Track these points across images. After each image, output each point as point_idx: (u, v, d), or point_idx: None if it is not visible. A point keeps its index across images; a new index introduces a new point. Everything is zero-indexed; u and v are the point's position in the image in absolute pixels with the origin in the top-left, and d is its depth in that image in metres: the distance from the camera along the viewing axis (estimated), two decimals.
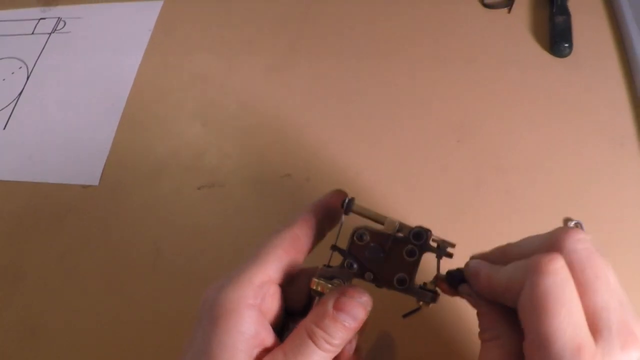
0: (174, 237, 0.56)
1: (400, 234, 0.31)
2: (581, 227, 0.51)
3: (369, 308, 0.31)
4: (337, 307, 0.30)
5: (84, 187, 0.60)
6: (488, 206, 0.54)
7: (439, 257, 0.31)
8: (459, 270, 0.31)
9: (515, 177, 0.56)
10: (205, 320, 0.29)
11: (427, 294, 0.31)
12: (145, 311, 0.51)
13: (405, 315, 0.34)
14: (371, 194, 0.56)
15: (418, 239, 0.30)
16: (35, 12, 0.78)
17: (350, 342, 0.33)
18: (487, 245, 0.32)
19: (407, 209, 0.54)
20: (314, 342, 0.29)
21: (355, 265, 0.31)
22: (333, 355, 0.30)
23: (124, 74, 0.69)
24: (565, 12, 0.65)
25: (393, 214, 0.32)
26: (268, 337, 0.30)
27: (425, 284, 0.31)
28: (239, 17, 0.73)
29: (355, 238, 0.31)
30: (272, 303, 0.31)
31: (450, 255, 0.31)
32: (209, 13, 0.74)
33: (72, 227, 0.58)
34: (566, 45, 0.63)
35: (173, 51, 0.71)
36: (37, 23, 0.76)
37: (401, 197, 0.56)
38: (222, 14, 0.74)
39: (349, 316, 0.30)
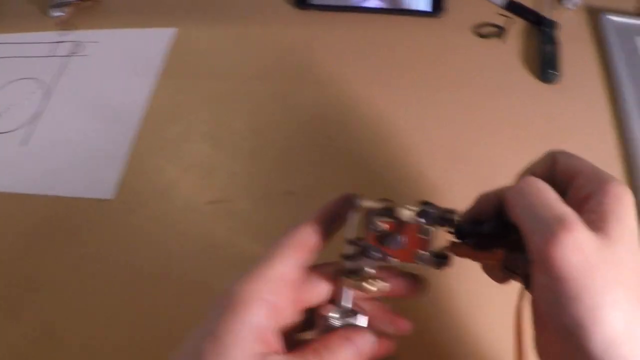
0: (185, 249, 0.59)
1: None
2: None
3: (374, 346, 0.33)
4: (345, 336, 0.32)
5: (99, 200, 0.63)
6: None
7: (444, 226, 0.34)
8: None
9: None
10: (217, 308, 0.31)
11: (441, 261, 0.34)
12: (157, 319, 0.54)
13: None
14: None
15: (427, 217, 0.33)
16: (53, 35, 0.82)
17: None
18: None
19: None
20: None
21: (378, 254, 0.33)
22: None
23: (139, 96, 0.73)
24: (554, 41, 0.69)
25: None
26: (273, 340, 0.31)
27: (440, 250, 0.34)
28: (249, 45, 0.78)
29: (371, 229, 0.33)
30: (286, 303, 0.33)
31: (453, 223, 0.34)
32: (221, 40, 0.79)
33: (87, 238, 0.61)
34: (553, 72, 0.67)
35: (185, 76, 0.75)
36: (57, 46, 0.81)
37: None
38: (232, 42, 0.78)
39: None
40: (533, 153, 0.61)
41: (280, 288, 0.32)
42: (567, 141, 0.63)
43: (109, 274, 0.58)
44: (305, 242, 0.34)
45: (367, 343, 0.33)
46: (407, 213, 0.33)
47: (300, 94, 0.71)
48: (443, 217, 0.34)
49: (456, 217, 0.34)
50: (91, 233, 0.61)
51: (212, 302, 0.31)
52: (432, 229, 0.33)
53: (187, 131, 0.69)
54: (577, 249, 0.26)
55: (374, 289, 0.33)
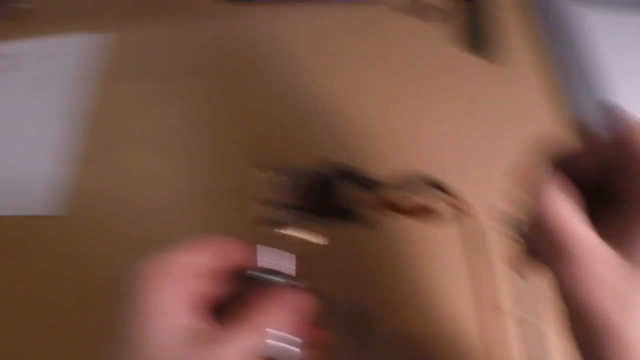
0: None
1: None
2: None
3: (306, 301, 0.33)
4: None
5: (47, 217, 0.62)
6: None
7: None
8: None
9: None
10: (134, 290, 0.30)
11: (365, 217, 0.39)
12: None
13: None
14: None
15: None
16: None
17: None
18: None
19: None
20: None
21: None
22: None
23: (78, 104, 0.71)
24: (486, 15, 0.70)
25: None
26: (196, 314, 0.30)
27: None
28: (185, 44, 0.77)
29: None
30: (203, 277, 0.32)
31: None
32: (157, 42, 0.78)
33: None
34: (485, 44, 0.67)
35: (124, 81, 0.74)
36: None
37: None
38: (168, 43, 0.78)
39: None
40: (479, 132, 0.62)
41: (194, 270, 0.32)
42: (504, 118, 0.64)
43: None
44: (227, 251, 0.34)
45: (296, 297, 0.32)
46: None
47: (243, 89, 0.71)
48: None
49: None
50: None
51: (129, 285, 0.31)
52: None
53: (132, 138, 0.68)
54: (600, 285, 0.24)
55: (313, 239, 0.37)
